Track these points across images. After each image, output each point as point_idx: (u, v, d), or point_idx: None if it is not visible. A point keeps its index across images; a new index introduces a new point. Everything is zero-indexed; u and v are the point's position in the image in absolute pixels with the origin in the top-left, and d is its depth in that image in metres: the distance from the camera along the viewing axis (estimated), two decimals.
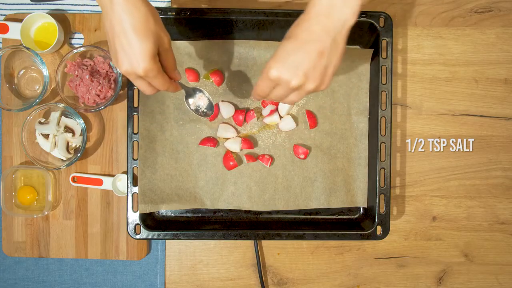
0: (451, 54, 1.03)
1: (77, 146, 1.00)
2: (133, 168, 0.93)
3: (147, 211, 0.93)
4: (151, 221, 0.96)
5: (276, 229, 0.94)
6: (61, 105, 0.98)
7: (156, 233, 0.92)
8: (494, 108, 1.02)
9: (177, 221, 0.98)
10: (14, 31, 0.99)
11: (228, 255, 1.02)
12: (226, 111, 0.96)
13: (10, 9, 1.03)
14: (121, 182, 1.01)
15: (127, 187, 0.93)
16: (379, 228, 0.93)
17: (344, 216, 1.00)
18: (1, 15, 1.03)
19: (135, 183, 0.93)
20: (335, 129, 0.97)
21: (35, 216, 1.01)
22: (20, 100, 1.01)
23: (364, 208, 0.99)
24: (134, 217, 0.93)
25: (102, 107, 0.98)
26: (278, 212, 0.99)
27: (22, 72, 1.03)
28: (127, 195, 0.93)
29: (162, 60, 0.74)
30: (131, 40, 0.66)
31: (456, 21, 1.03)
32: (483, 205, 1.02)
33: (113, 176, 1.01)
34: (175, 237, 0.92)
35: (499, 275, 1.03)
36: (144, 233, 0.92)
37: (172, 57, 0.75)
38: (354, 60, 0.96)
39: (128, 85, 0.93)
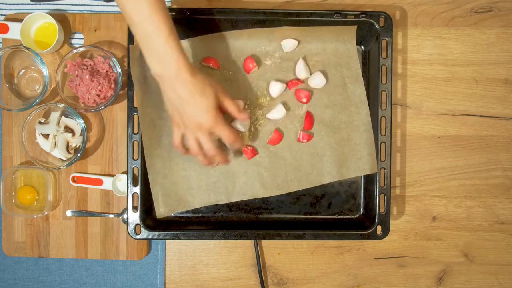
0: (451, 54, 1.03)
1: (77, 146, 1.00)
2: (133, 168, 0.93)
3: (165, 215, 0.95)
4: (151, 221, 0.96)
5: (276, 229, 0.94)
6: (61, 105, 0.98)
7: (156, 233, 0.92)
8: (494, 108, 1.02)
9: (177, 221, 0.99)
10: (14, 31, 0.99)
11: (228, 255, 1.02)
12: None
13: (10, 9, 1.03)
14: (121, 182, 1.01)
15: (127, 187, 0.93)
16: (379, 228, 0.93)
17: (344, 216, 1.00)
18: (1, 15, 1.03)
19: (135, 183, 0.93)
20: (333, 100, 0.98)
21: (35, 216, 1.01)
22: (20, 100, 1.01)
23: (364, 208, 0.99)
24: (134, 217, 0.93)
25: (102, 107, 0.98)
26: (278, 211, 0.99)
27: (22, 72, 1.03)
28: (127, 195, 0.93)
29: (225, 108, 0.85)
30: (197, 101, 0.79)
31: (456, 21, 1.03)
32: (483, 205, 1.02)
33: (113, 176, 1.01)
34: (175, 237, 0.92)
35: (499, 275, 1.03)
36: (145, 233, 0.92)
37: (230, 100, 0.85)
38: (338, 35, 0.97)
39: (128, 85, 0.93)
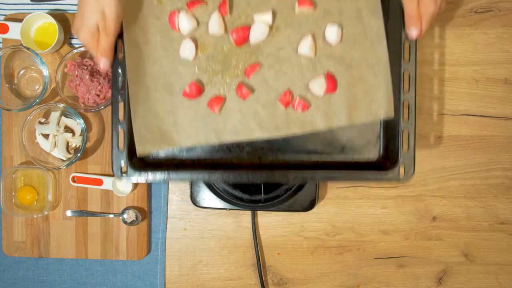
0: (451, 54, 1.03)
1: (77, 146, 1.00)
2: (118, 103, 0.84)
3: (147, 152, 0.83)
4: (139, 162, 0.86)
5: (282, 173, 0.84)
6: (61, 105, 0.98)
7: (146, 173, 0.83)
8: (494, 108, 1.02)
9: (168, 164, 0.89)
10: (14, 31, 0.99)
11: (228, 255, 1.02)
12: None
13: (10, 9, 1.03)
14: (121, 182, 1.01)
15: (112, 124, 0.83)
16: (401, 169, 0.82)
17: (361, 157, 0.88)
18: (1, 15, 1.03)
19: (121, 119, 0.84)
20: (346, 34, 0.84)
21: (35, 216, 1.01)
22: (20, 100, 1.01)
23: (384, 148, 0.88)
24: (120, 156, 0.83)
25: (102, 107, 0.98)
26: (284, 152, 0.88)
27: (22, 72, 1.03)
28: (112, 133, 0.84)
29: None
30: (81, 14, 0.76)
31: (456, 21, 1.03)
32: (483, 205, 1.02)
33: (113, 176, 1.01)
34: (166, 178, 0.83)
35: (499, 275, 1.03)
36: (132, 174, 0.83)
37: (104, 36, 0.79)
38: None
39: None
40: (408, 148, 0.82)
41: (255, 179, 0.83)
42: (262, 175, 0.83)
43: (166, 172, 0.82)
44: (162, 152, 0.89)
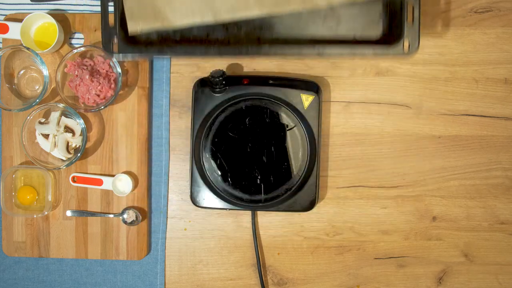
0: (451, 54, 1.03)
1: (77, 146, 1.00)
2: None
3: (139, 30, 0.78)
4: (131, 41, 0.81)
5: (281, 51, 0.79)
6: (61, 105, 0.98)
7: (138, 49, 0.79)
8: (494, 108, 1.02)
9: (162, 45, 0.84)
10: (14, 31, 0.99)
11: (228, 255, 1.02)
12: None
13: (10, 9, 1.03)
14: (121, 182, 1.01)
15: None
16: (406, 42, 0.79)
17: (364, 35, 0.85)
18: (1, 15, 1.03)
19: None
20: None
21: (35, 216, 1.01)
22: (20, 100, 1.01)
23: (388, 25, 0.84)
24: (110, 32, 0.78)
25: (102, 107, 0.98)
26: (283, 32, 0.84)
27: (22, 72, 1.03)
28: (101, 7, 0.77)
29: None
30: None
31: (456, 21, 1.03)
32: (483, 205, 1.02)
33: (113, 176, 1.01)
34: (160, 53, 0.79)
35: (499, 275, 1.03)
36: (124, 51, 0.78)
37: None
38: None
39: None
40: (413, 21, 0.79)
41: (254, 53, 0.78)
42: (261, 50, 0.78)
43: (161, 47, 0.77)
44: (154, 34, 0.83)
